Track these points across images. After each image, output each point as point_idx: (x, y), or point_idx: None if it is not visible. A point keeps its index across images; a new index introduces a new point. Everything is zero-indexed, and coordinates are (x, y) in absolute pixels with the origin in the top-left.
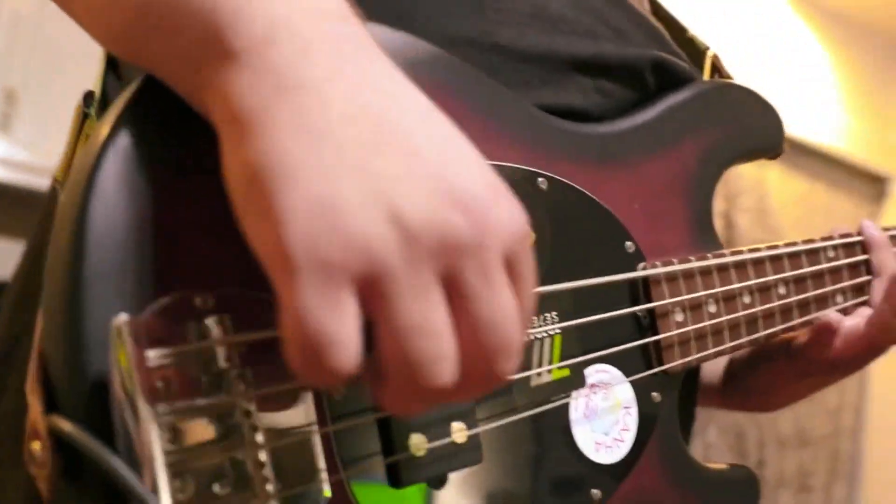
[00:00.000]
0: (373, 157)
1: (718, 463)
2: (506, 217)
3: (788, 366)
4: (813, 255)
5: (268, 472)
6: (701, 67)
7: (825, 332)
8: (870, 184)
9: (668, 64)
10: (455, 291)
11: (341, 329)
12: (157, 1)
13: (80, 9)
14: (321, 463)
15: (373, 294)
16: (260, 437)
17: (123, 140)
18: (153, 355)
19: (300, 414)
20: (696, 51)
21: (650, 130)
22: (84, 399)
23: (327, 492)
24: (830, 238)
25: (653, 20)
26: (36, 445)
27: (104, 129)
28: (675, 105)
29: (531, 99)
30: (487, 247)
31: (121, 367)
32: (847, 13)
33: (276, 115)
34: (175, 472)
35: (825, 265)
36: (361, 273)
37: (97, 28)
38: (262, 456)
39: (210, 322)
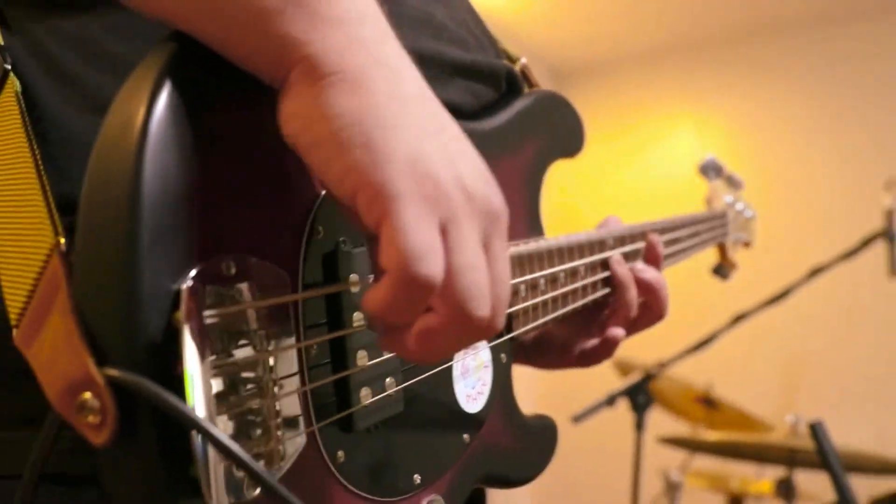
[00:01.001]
0: (440, 133)
1: (527, 414)
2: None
3: (556, 358)
4: (600, 245)
5: (280, 420)
6: None
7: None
8: None
9: (515, 74)
10: (486, 250)
11: (436, 243)
12: None
13: None
14: (301, 415)
15: (443, 235)
16: (278, 389)
17: (165, 107)
18: (207, 315)
19: (293, 370)
20: (509, 59)
21: (506, 132)
22: (142, 354)
23: (297, 441)
24: (617, 233)
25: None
26: (87, 395)
27: (145, 82)
28: (522, 111)
29: None
30: (504, 221)
31: (184, 331)
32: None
33: (372, 80)
34: (228, 420)
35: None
36: (443, 214)
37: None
38: (278, 405)
39: (242, 287)
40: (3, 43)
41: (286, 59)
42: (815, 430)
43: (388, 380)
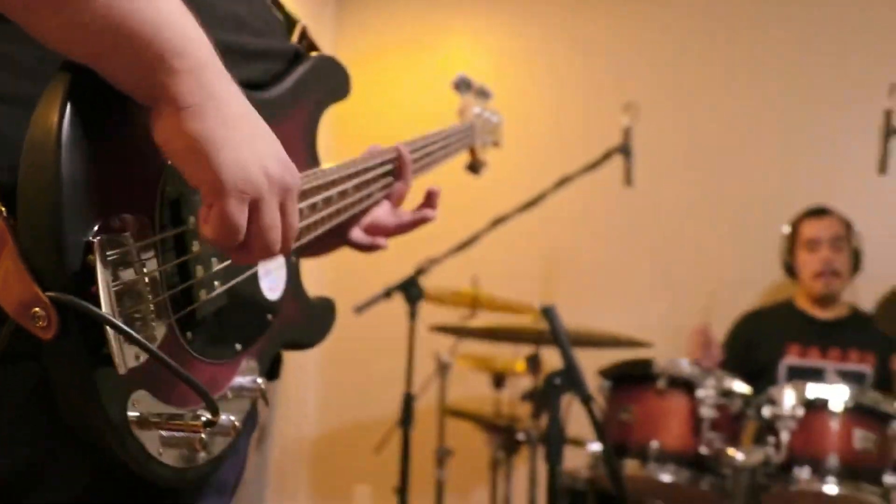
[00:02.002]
0: (252, 140)
1: (313, 297)
2: (298, 176)
3: (333, 242)
4: (369, 170)
5: (152, 315)
6: (292, 32)
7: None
8: None
9: (300, 50)
10: (281, 209)
11: (243, 223)
12: (128, 36)
13: (54, 27)
14: (164, 312)
15: (253, 209)
16: (151, 297)
17: (70, 119)
18: (108, 255)
19: (158, 283)
20: (291, 22)
21: (289, 95)
22: (70, 282)
23: (163, 328)
24: (377, 157)
25: (279, 14)
26: (37, 310)
27: (55, 95)
28: (301, 75)
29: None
30: (295, 189)
31: (97, 266)
32: None
33: (207, 112)
34: (123, 318)
35: (373, 174)
36: (254, 196)
37: (65, 42)
38: (151, 307)
39: (126, 235)
40: None
41: (155, 94)
42: (547, 313)
43: (216, 283)
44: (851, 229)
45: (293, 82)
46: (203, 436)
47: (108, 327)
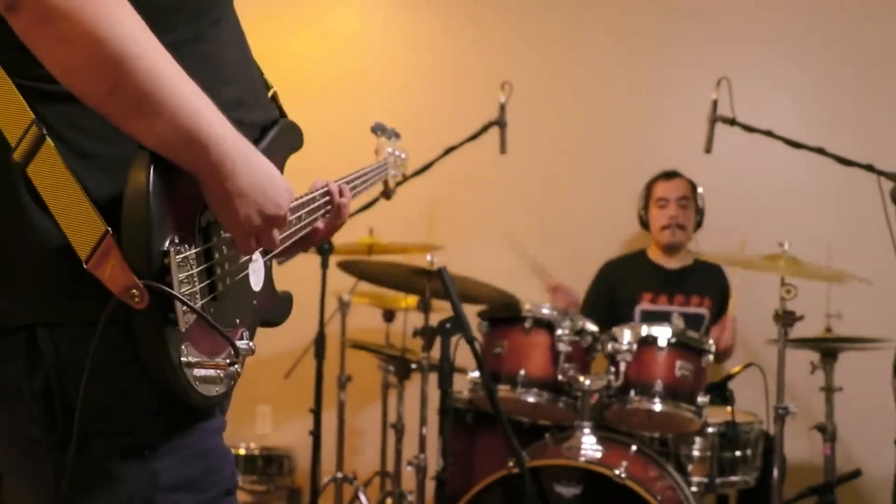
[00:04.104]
0: (260, 198)
1: (280, 290)
2: (287, 205)
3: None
4: (313, 201)
5: (197, 298)
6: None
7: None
8: None
9: (276, 118)
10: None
11: (251, 247)
12: (181, 138)
13: (135, 131)
14: (200, 296)
15: (259, 235)
16: (199, 285)
17: (154, 168)
18: (178, 258)
19: (199, 279)
20: (267, 86)
21: (267, 152)
22: (156, 274)
23: (199, 305)
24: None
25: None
26: (134, 291)
27: (143, 164)
28: (273, 138)
29: None
30: (282, 219)
31: (172, 266)
32: None
33: (238, 176)
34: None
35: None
36: (258, 232)
37: (141, 137)
38: (197, 291)
39: (186, 245)
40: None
41: (198, 170)
42: (441, 273)
43: (227, 279)
44: (696, 190)
45: (268, 143)
46: (222, 374)
47: (177, 302)
